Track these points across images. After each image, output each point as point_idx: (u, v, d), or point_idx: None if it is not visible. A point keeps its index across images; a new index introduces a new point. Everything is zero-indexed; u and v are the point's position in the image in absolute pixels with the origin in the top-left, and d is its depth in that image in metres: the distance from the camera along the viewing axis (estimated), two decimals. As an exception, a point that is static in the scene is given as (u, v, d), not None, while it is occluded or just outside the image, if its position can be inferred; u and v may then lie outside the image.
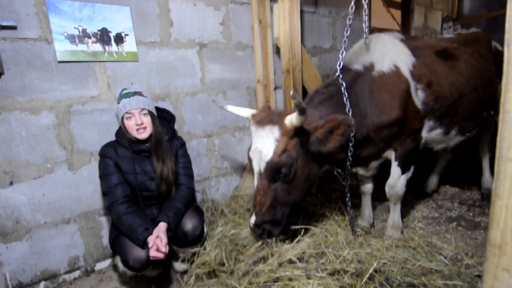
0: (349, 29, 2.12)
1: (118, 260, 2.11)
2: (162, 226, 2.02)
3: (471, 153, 3.66)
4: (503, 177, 1.10)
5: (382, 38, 2.39)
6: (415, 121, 2.26)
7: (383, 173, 2.53)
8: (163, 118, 2.40)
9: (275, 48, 3.38)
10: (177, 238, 2.17)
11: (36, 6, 2.13)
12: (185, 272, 2.34)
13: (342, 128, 1.79)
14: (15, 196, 2.16)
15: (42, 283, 2.31)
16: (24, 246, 2.22)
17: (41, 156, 2.24)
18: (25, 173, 2.19)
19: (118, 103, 2.12)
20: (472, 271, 1.84)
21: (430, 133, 2.42)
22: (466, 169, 3.92)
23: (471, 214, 2.93)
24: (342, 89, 2.04)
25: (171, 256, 2.29)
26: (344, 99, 2.04)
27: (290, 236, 2.05)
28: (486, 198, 3.16)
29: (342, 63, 2.14)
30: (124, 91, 2.14)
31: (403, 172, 2.34)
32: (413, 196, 3.31)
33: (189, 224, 2.18)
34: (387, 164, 2.42)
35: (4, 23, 2.02)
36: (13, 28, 2.06)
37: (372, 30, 4.60)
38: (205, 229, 2.29)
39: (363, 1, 2.12)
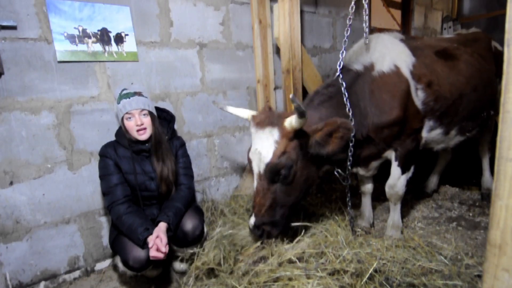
0: (349, 29, 2.12)
1: (118, 260, 2.11)
2: (162, 226, 2.02)
3: (471, 153, 3.66)
4: (503, 177, 1.10)
5: (382, 38, 2.39)
6: (415, 121, 2.26)
7: (383, 173, 2.53)
8: (163, 118, 2.40)
9: (275, 48, 3.38)
10: (177, 238, 2.17)
11: (36, 6, 2.13)
12: (185, 272, 2.34)
13: (341, 132, 1.79)
14: (15, 196, 2.16)
15: (42, 283, 2.31)
16: (24, 246, 2.22)
17: (41, 156, 2.24)
18: (25, 173, 2.19)
19: (118, 103, 2.12)
20: (472, 271, 1.84)
21: (430, 133, 2.42)
22: (466, 169, 3.92)
23: (471, 214, 2.93)
24: (342, 89, 2.04)
25: (171, 256, 2.29)
26: (344, 99, 2.04)
27: (290, 235, 2.05)
28: (486, 198, 3.16)
29: (342, 63, 2.14)
30: (124, 91, 2.14)
31: (403, 172, 2.34)
32: (413, 196, 3.31)
33: (189, 224, 2.18)
34: (387, 164, 2.42)
35: (4, 23, 2.02)
36: (13, 28, 2.06)
37: (372, 30, 4.61)
38: (205, 229, 2.29)
39: (363, 1, 2.11)
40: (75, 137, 2.36)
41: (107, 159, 2.12)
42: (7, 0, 2.03)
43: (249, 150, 2.00)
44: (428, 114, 2.32)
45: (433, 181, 3.44)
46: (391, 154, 2.33)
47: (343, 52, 2.13)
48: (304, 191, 2.03)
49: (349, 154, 2.09)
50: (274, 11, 3.21)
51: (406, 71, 2.24)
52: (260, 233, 1.96)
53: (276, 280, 1.69)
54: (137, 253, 1.96)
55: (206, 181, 3.16)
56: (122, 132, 2.19)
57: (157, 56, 2.70)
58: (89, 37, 2.33)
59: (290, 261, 1.79)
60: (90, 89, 2.40)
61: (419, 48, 2.46)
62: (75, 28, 2.27)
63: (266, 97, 3.35)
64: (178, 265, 2.38)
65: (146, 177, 2.19)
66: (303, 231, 2.08)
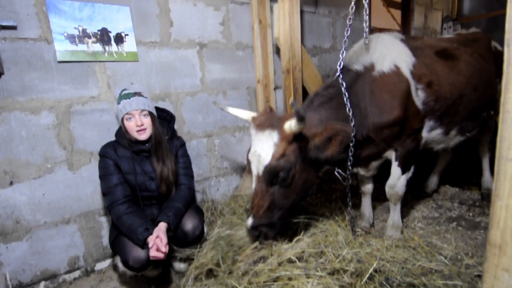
0: (349, 29, 2.12)
1: (118, 260, 2.11)
2: (162, 226, 2.02)
3: (471, 153, 3.66)
4: (503, 177, 1.10)
5: (382, 38, 2.39)
6: (415, 121, 2.26)
7: (383, 173, 2.53)
8: (163, 118, 2.40)
9: (275, 48, 3.38)
10: (177, 238, 2.17)
11: (36, 6, 2.13)
12: (184, 272, 2.34)
13: (340, 137, 1.80)
14: (15, 196, 2.16)
15: (42, 283, 2.31)
16: (24, 246, 2.22)
17: (41, 156, 2.24)
18: (25, 173, 2.19)
19: (118, 103, 2.12)
20: (472, 271, 1.84)
21: (430, 133, 2.42)
22: (466, 169, 3.92)
23: (471, 214, 2.93)
24: (343, 89, 2.04)
25: (171, 256, 2.29)
26: (345, 99, 2.03)
27: (289, 235, 2.05)
28: (486, 198, 3.15)
29: (342, 63, 2.14)
30: (124, 92, 2.14)
31: (403, 172, 2.34)
32: (413, 196, 3.31)
33: (189, 224, 2.18)
34: (387, 164, 2.42)
35: (4, 23, 2.02)
36: (13, 28, 2.06)
37: (372, 30, 4.61)
38: (205, 229, 2.30)
39: (363, 1, 2.11)
40: (75, 137, 2.36)
41: (107, 159, 2.12)
42: (7, 0, 2.03)
43: (249, 151, 2.00)
44: (428, 114, 2.32)
45: (433, 181, 3.44)
46: (391, 154, 2.33)
47: (343, 52, 2.13)
48: (303, 193, 2.04)
49: (350, 154, 2.09)
50: (274, 11, 3.21)
51: (406, 71, 2.24)
52: (258, 234, 1.97)
53: (276, 279, 1.69)
54: (137, 253, 1.96)
55: (206, 181, 3.16)
56: (122, 132, 2.19)
57: (157, 56, 2.70)
58: (89, 37, 2.33)
59: (289, 261, 1.79)
60: (90, 89, 2.40)
61: (419, 48, 2.46)
62: (75, 28, 2.27)
63: (266, 97, 3.35)
64: (178, 265, 2.38)
65: (146, 177, 2.19)
66: (303, 231, 2.08)
